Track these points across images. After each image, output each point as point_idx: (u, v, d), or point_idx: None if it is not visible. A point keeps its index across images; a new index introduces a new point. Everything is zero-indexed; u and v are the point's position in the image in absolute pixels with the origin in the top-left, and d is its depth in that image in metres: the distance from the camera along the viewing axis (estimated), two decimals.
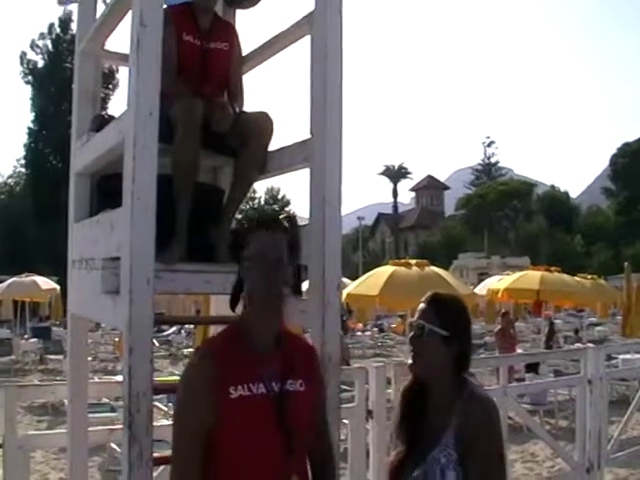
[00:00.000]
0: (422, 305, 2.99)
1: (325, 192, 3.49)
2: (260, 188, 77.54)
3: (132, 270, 2.98)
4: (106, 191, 4.01)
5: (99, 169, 4.17)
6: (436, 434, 2.82)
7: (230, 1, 4.81)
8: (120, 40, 4.15)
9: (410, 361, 2.97)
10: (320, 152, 3.53)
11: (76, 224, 4.34)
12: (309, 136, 3.66)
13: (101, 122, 4.09)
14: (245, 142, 4.00)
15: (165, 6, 3.74)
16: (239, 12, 4.92)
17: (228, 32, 4.41)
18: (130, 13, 3.28)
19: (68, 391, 4.43)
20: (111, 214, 3.48)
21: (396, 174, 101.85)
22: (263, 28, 4.61)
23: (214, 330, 4.95)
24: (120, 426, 3.05)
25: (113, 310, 3.26)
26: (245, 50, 4.54)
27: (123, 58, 4.20)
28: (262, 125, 4.06)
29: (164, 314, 24.61)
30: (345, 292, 13.77)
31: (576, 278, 17.93)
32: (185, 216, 3.74)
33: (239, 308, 2.77)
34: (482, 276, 47.83)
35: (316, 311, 3.43)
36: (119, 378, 2.99)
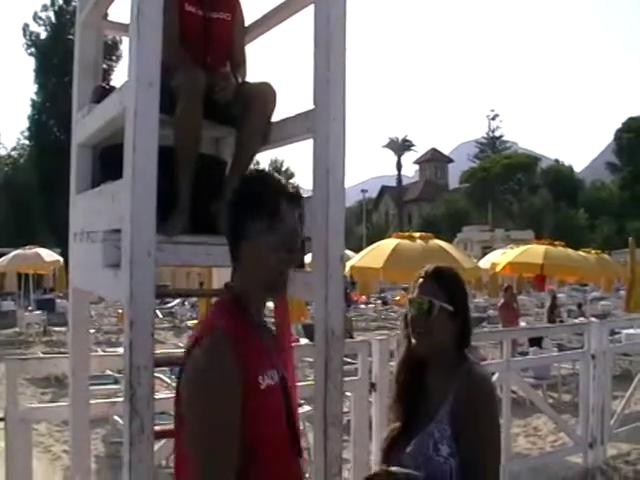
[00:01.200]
0: (423, 280, 2.96)
1: (328, 164, 3.45)
2: (264, 160, 77.32)
3: (133, 242, 2.94)
4: (108, 163, 3.97)
5: (101, 140, 4.13)
6: (432, 409, 2.79)
7: None
8: (122, 10, 4.10)
9: (414, 341, 2.91)
10: (323, 123, 3.48)
11: (77, 196, 4.31)
12: (312, 107, 3.61)
13: (102, 93, 4.04)
14: (247, 112, 3.96)
15: None
16: None
17: (230, 2, 4.34)
18: None
19: (70, 364, 4.42)
20: (112, 186, 3.45)
21: (400, 147, 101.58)
22: None
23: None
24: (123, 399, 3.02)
25: (114, 283, 3.23)
26: (248, 20, 4.48)
27: (125, 29, 4.14)
28: (265, 95, 4.01)
29: (168, 286, 24.69)
30: (349, 264, 13.75)
31: (580, 252, 17.90)
32: (187, 188, 3.70)
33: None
34: (486, 249, 47.83)
35: (319, 284, 3.40)
36: (122, 350, 2.95)
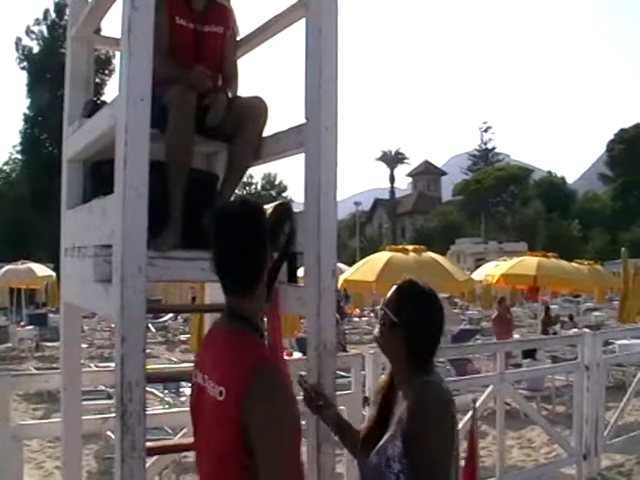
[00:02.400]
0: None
1: (320, 178, 3.44)
2: (257, 174, 77.55)
3: (124, 258, 2.94)
4: (99, 178, 3.96)
5: (91, 155, 4.13)
6: (390, 427, 2.84)
7: None
8: (114, 24, 4.10)
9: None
10: (315, 137, 3.48)
11: (68, 211, 4.30)
12: (304, 121, 3.61)
13: (93, 107, 4.04)
14: (239, 127, 3.97)
15: None
16: None
17: (222, 15, 4.34)
18: None
19: (61, 379, 4.40)
20: (103, 201, 3.44)
21: (393, 159, 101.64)
22: (259, 11, 4.55)
23: (209, 318, 4.91)
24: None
25: (105, 299, 3.22)
26: (240, 34, 4.48)
27: (117, 43, 4.14)
28: (256, 110, 4.02)
29: (160, 301, 24.60)
30: (342, 278, 13.74)
31: (573, 264, 17.90)
32: (179, 202, 3.69)
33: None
34: (479, 261, 47.83)
35: (312, 298, 3.39)
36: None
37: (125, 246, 2.94)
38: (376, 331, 3.00)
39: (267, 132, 4.06)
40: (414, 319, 2.88)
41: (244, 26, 4.52)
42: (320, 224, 3.42)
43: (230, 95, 4.21)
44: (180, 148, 3.68)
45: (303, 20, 3.69)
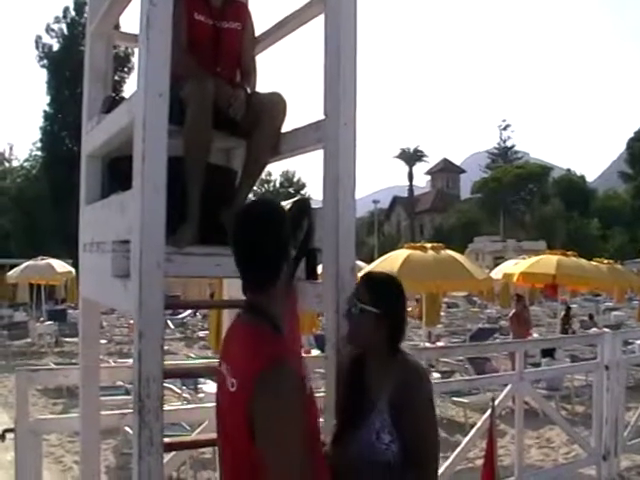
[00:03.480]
0: (356, 285, 3.20)
1: (339, 174, 3.44)
2: (275, 171, 77.47)
3: (142, 253, 2.94)
4: (117, 173, 3.97)
5: (110, 151, 4.13)
6: (372, 402, 2.96)
7: None
8: (133, 20, 4.10)
9: (346, 333, 3.10)
10: (333, 133, 3.47)
11: (87, 206, 4.31)
12: (323, 117, 3.60)
13: (112, 103, 4.05)
14: (258, 123, 3.95)
15: None
16: None
17: (240, 12, 4.33)
18: None
19: (80, 375, 4.41)
20: (121, 196, 3.44)
21: (412, 157, 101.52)
22: (277, 7, 4.54)
23: (228, 315, 4.91)
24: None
25: (124, 294, 3.22)
26: (258, 30, 4.48)
27: (135, 39, 4.13)
28: (275, 106, 4.01)
29: (179, 297, 24.64)
30: (360, 275, 13.69)
31: (593, 262, 17.79)
32: (197, 198, 3.69)
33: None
34: (498, 260, 47.66)
35: (330, 295, 3.39)
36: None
37: (143, 241, 2.94)
38: (350, 330, 3.06)
39: (286, 128, 4.05)
40: (392, 306, 3.06)
41: (263, 22, 4.51)
42: (338, 220, 3.42)
43: (249, 91, 4.20)
44: (198, 143, 3.68)
45: (322, 16, 3.68)
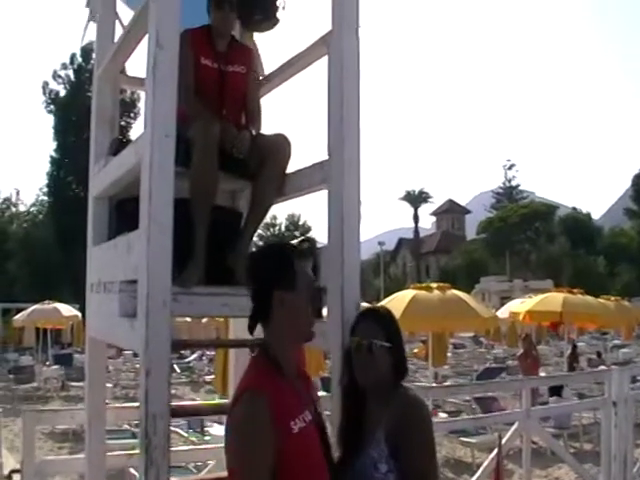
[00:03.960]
0: (362, 321, 3.18)
1: (343, 212, 3.48)
2: (281, 214, 77.50)
3: (149, 292, 2.97)
4: (124, 215, 4.01)
5: (117, 193, 4.18)
6: (371, 433, 3.00)
7: (247, 25, 4.83)
8: (139, 65, 4.17)
9: (358, 375, 3.08)
10: (338, 172, 3.51)
11: (94, 248, 4.35)
12: (327, 157, 3.64)
13: (118, 145, 4.10)
14: (263, 164, 4.00)
15: (183, 30, 3.75)
16: (256, 35, 4.94)
17: (245, 55, 4.42)
18: (147, 36, 3.29)
19: (86, 414, 4.42)
20: (128, 236, 3.48)
21: (417, 199, 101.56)
22: (281, 50, 4.61)
23: (234, 358, 4.92)
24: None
25: (130, 333, 3.24)
26: (263, 72, 4.55)
27: (141, 82, 4.22)
28: (280, 147, 4.05)
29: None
30: (362, 311, 13.65)
31: (599, 300, 17.75)
32: (203, 239, 3.72)
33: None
34: (504, 300, 47.36)
35: (335, 332, 3.41)
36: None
37: (150, 279, 2.97)
38: (367, 366, 3.05)
39: (291, 168, 4.09)
40: (398, 339, 3.13)
41: (267, 64, 4.58)
42: (343, 258, 3.45)
43: (254, 133, 4.26)
44: (204, 184, 3.72)
45: (325, 57, 3.74)
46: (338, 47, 3.58)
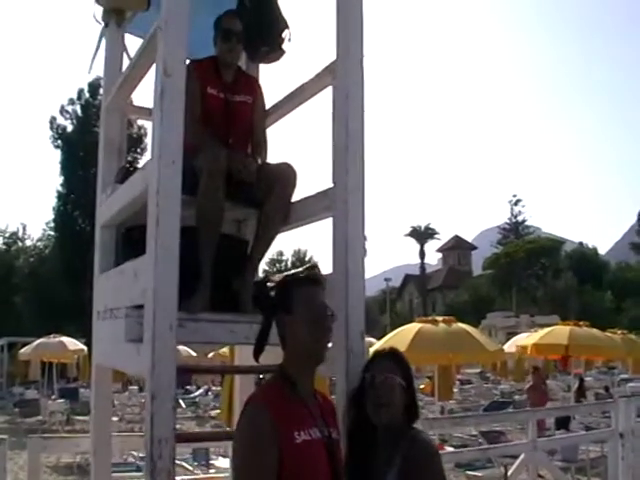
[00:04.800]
0: (383, 359, 3.18)
1: (348, 240, 3.50)
2: (287, 250, 77.47)
3: (155, 316, 2.99)
4: (131, 242, 4.04)
5: (123, 220, 4.22)
6: (381, 475, 2.98)
7: (253, 56, 4.89)
8: (146, 96, 4.23)
9: (375, 412, 3.06)
10: (342, 200, 3.54)
11: (101, 275, 4.38)
12: (331, 185, 3.67)
13: (125, 174, 4.14)
14: (269, 193, 4.03)
15: (190, 61, 3.82)
16: (262, 66, 5.01)
17: (251, 85, 4.48)
18: (154, 66, 3.35)
19: (92, 443, 4.42)
20: (135, 262, 3.51)
21: (423, 235, 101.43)
22: (287, 80, 4.67)
23: (239, 390, 4.93)
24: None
25: (137, 358, 3.26)
26: (269, 102, 4.60)
27: (149, 113, 4.26)
28: (285, 176, 4.09)
29: (192, 379, 24.43)
30: (372, 350, 13.65)
31: (606, 333, 17.69)
32: (209, 266, 3.76)
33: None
34: (510, 335, 47.16)
35: (340, 358, 3.41)
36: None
37: (157, 303, 2.99)
38: (390, 404, 3.05)
39: (296, 197, 4.12)
40: (412, 382, 3.17)
41: (273, 94, 4.63)
42: (348, 285, 3.47)
43: (260, 162, 4.30)
44: (211, 212, 3.76)
45: (330, 87, 3.79)
46: (343, 76, 3.62)
